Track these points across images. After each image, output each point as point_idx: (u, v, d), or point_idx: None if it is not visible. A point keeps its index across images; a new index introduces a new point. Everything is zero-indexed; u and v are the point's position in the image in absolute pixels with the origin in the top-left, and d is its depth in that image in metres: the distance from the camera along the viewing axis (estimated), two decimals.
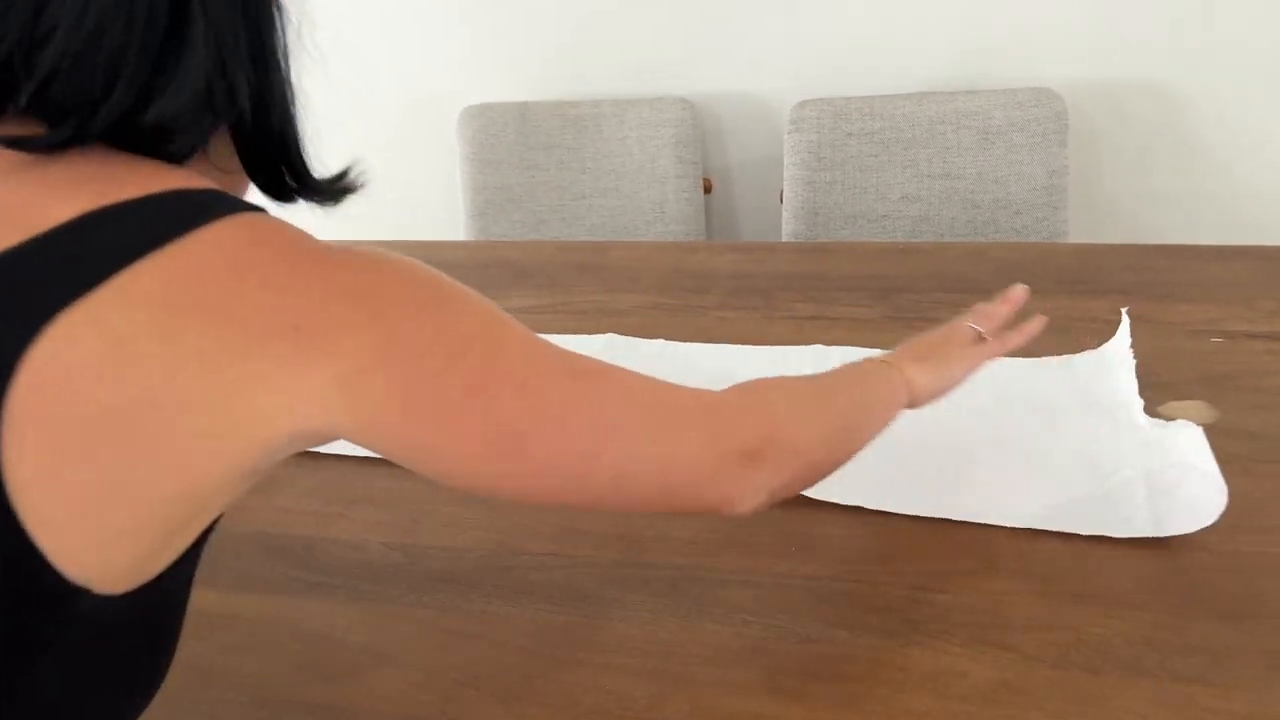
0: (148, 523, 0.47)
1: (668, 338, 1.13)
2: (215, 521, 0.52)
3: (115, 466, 0.45)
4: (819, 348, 1.07)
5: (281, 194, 0.58)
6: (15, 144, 0.48)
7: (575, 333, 1.15)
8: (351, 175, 0.60)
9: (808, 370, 0.79)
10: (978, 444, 0.89)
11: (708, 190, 1.88)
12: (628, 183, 1.82)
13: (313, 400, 0.47)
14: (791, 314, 1.16)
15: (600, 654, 0.70)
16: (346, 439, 0.50)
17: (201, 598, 0.78)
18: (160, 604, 0.51)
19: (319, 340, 0.47)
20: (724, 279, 1.28)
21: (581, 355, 0.56)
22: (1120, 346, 1.00)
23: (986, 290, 0.86)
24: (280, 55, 0.55)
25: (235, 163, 0.56)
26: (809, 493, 0.78)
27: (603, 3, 1.83)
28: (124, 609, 0.48)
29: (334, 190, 0.59)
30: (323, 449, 0.96)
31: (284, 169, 0.57)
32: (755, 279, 1.27)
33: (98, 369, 0.44)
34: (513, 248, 1.46)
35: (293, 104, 0.56)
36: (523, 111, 1.86)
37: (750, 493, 0.60)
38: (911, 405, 0.75)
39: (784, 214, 1.73)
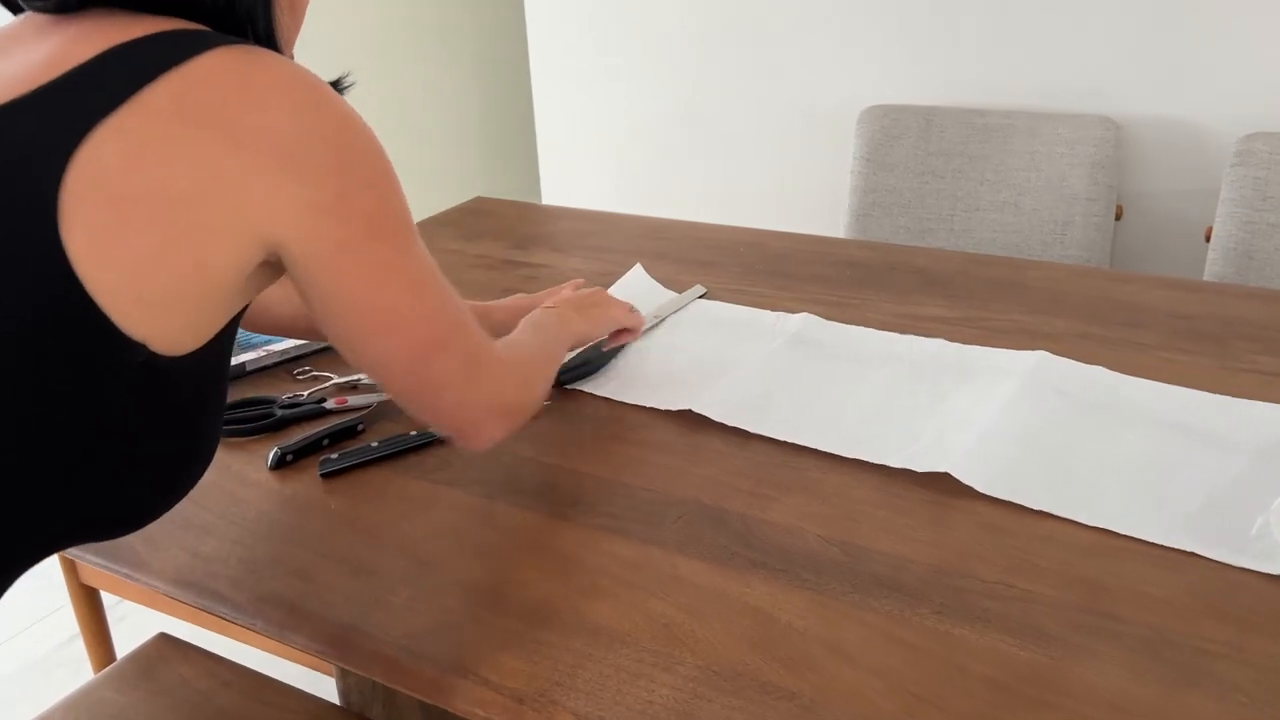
0: (182, 294, 0.60)
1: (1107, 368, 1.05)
2: (241, 313, 0.67)
3: (147, 244, 0.58)
4: None
5: None
6: (41, 6, 0.63)
7: (996, 347, 1.10)
8: (340, 83, 0.75)
9: None
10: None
11: (1117, 217, 1.74)
12: (1030, 199, 1.73)
13: (288, 213, 0.62)
14: (1255, 367, 1.05)
15: (1071, 700, 0.66)
16: (288, 262, 0.64)
17: (652, 555, 0.81)
18: (206, 371, 0.65)
19: (301, 169, 0.61)
20: (1163, 316, 1.18)
21: (444, 279, 0.73)
22: None
23: None
24: None
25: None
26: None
27: (1027, 12, 1.74)
28: (179, 369, 0.62)
29: None
30: (748, 427, 0.96)
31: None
32: (1201, 321, 1.16)
33: (125, 168, 0.57)
34: (920, 254, 1.41)
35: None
36: (928, 116, 1.80)
37: (489, 438, 0.80)
38: (580, 342, 1.06)
39: (1210, 254, 1.58)
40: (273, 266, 0.67)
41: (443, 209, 1.70)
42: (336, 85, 0.78)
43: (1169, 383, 1.02)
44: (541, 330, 0.97)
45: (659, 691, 0.68)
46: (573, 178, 2.39)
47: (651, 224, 1.59)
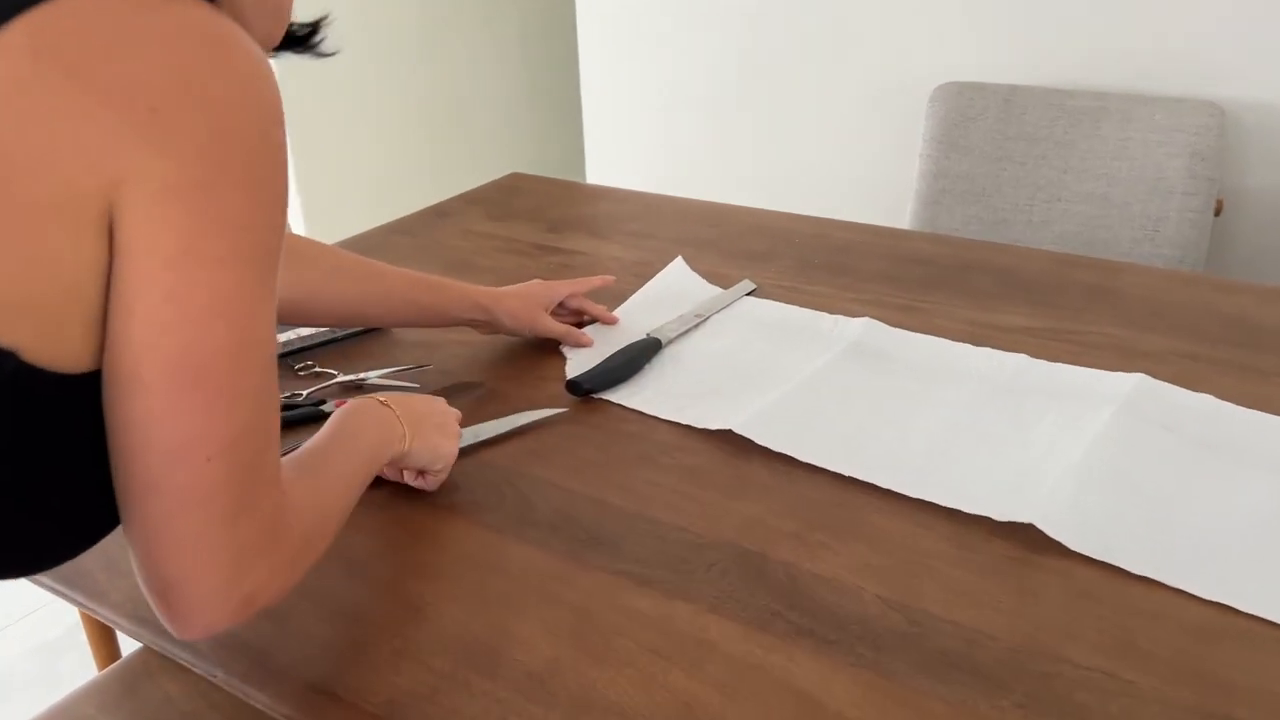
0: (44, 293, 0.48)
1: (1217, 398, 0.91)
2: None
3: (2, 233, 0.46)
4: None
5: None
6: None
7: (1087, 365, 0.96)
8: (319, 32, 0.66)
9: None
10: None
11: (1216, 213, 1.58)
12: (1120, 191, 1.56)
13: (135, 188, 0.48)
14: None
15: None
16: (118, 247, 0.49)
17: (678, 612, 0.69)
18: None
19: (165, 137, 0.48)
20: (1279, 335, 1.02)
21: (273, 374, 0.54)
22: None
23: None
24: None
25: None
26: None
27: None
28: (72, 387, 0.50)
29: (301, 39, 0.65)
30: (798, 455, 0.84)
31: None
32: None
33: None
34: (1000, 252, 1.27)
35: None
36: (1009, 96, 1.64)
37: (215, 629, 0.55)
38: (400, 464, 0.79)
39: None
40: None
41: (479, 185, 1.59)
42: (313, 31, 0.65)
43: None
44: (353, 444, 0.71)
45: None
46: (619, 155, 2.25)
47: (699, 208, 1.45)
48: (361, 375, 1.00)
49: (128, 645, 1.12)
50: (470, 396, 0.97)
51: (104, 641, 1.24)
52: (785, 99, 1.99)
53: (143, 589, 0.55)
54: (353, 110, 2.67)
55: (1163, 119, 1.53)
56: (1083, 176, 1.59)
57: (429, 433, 0.79)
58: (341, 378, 1.00)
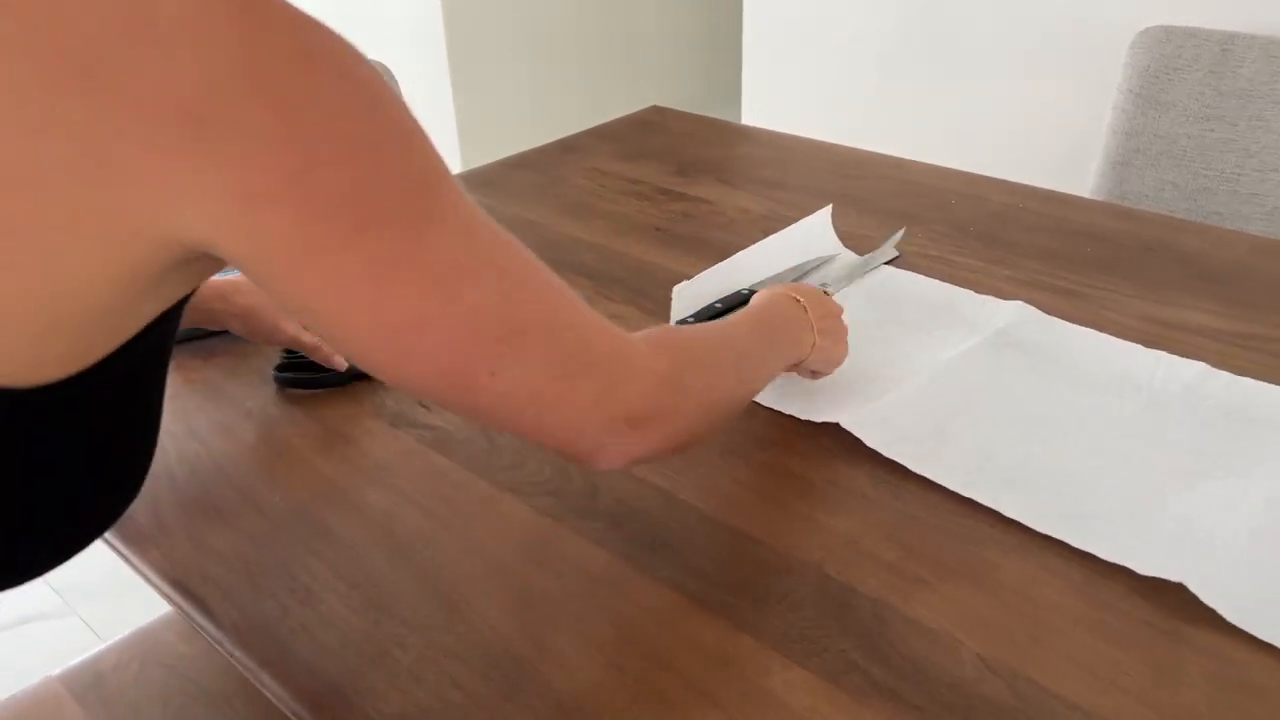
0: (38, 312, 0.42)
1: None
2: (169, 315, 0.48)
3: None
4: None
5: None
6: None
7: (1271, 380, 0.80)
8: None
9: None
10: None
11: None
12: None
13: (203, 206, 0.41)
14: None
15: None
16: (230, 263, 0.45)
17: (743, 649, 0.59)
18: (88, 404, 0.47)
19: (224, 140, 0.40)
20: None
21: (520, 254, 0.50)
22: None
23: None
24: None
25: None
26: None
27: None
28: (31, 401, 0.44)
29: None
30: (911, 465, 0.72)
31: None
32: None
33: None
34: (1192, 232, 1.09)
35: None
36: (1226, 44, 1.42)
37: (619, 456, 0.57)
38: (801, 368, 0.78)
39: None
40: (194, 271, 0.47)
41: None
42: None
43: None
44: (760, 330, 0.72)
45: None
46: (775, 96, 2.10)
47: (843, 155, 1.31)
48: None
49: None
50: None
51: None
52: (960, 40, 1.80)
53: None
54: (518, 36, 2.61)
55: None
56: None
57: (829, 342, 0.78)
58: None
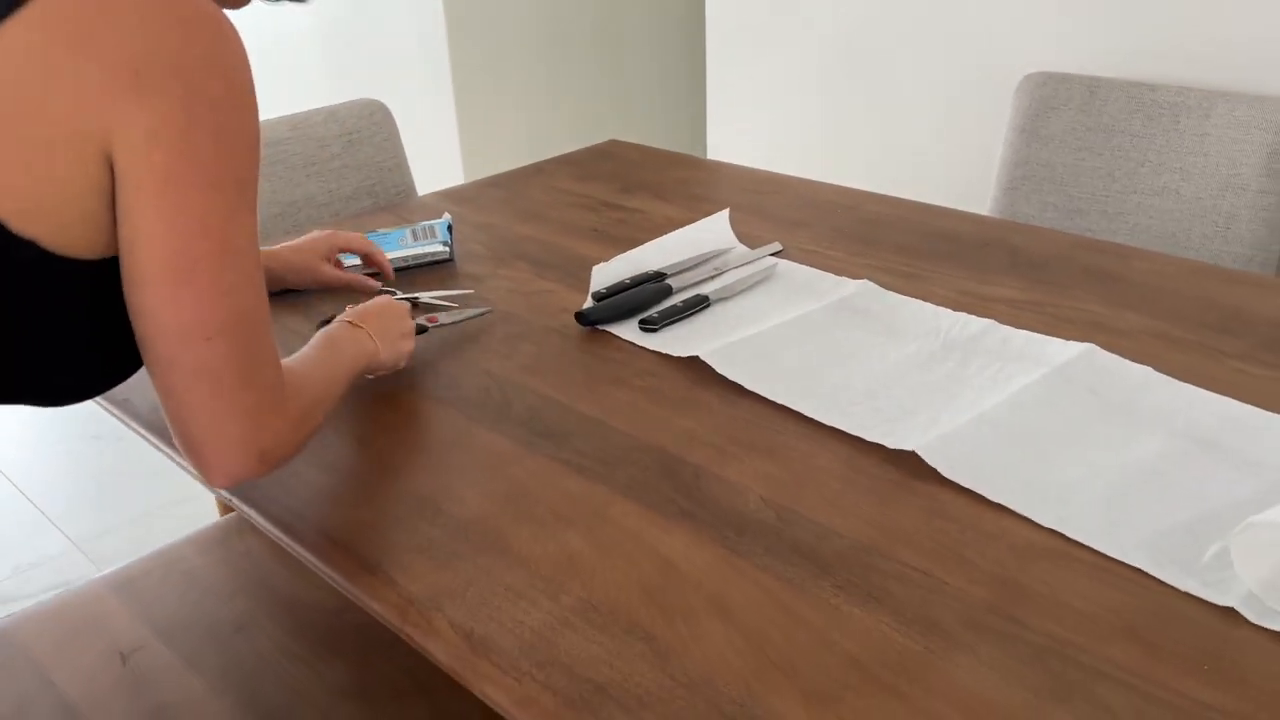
0: (59, 199, 0.66)
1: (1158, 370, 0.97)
2: None
3: (16, 155, 0.64)
4: None
5: None
6: None
7: (1049, 334, 1.03)
8: None
9: None
10: None
11: None
12: (1193, 186, 1.57)
13: (126, 133, 0.64)
14: None
15: (923, 694, 0.63)
16: (119, 182, 0.66)
17: (595, 493, 0.84)
18: (116, 278, 0.70)
19: (146, 91, 0.64)
20: (1262, 324, 1.06)
21: (260, 281, 0.72)
22: None
23: None
24: None
25: None
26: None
27: None
28: (80, 271, 0.68)
29: None
30: (746, 384, 0.96)
31: None
32: None
33: (5, 73, 0.64)
34: (1023, 233, 1.33)
35: None
36: (1093, 87, 1.67)
37: (232, 476, 0.73)
38: (376, 370, 0.95)
39: None
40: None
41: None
42: None
43: (1229, 395, 0.92)
44: (335, 356, 0.88)
45: (533, 614, 0.71)
46: (736, 132, 2.38)
47: (762, 178, 1.57)
48: (451, 291, 1.19)
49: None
50: (481, 320, 1.14)
51: (224, 502, 1.50)
52: (886, 87, 2.06)
53: (176, 445, 0.74)
54: (521, 81, 2.91)
55: (1242, 115, 1.53)
56: (1159, 170, 1.61)
57: (394, 340, 0.96)
58: (427, 296, 1.19)
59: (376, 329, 0.94)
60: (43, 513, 2.20)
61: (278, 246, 1.15)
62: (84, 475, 2.33)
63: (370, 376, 0.98)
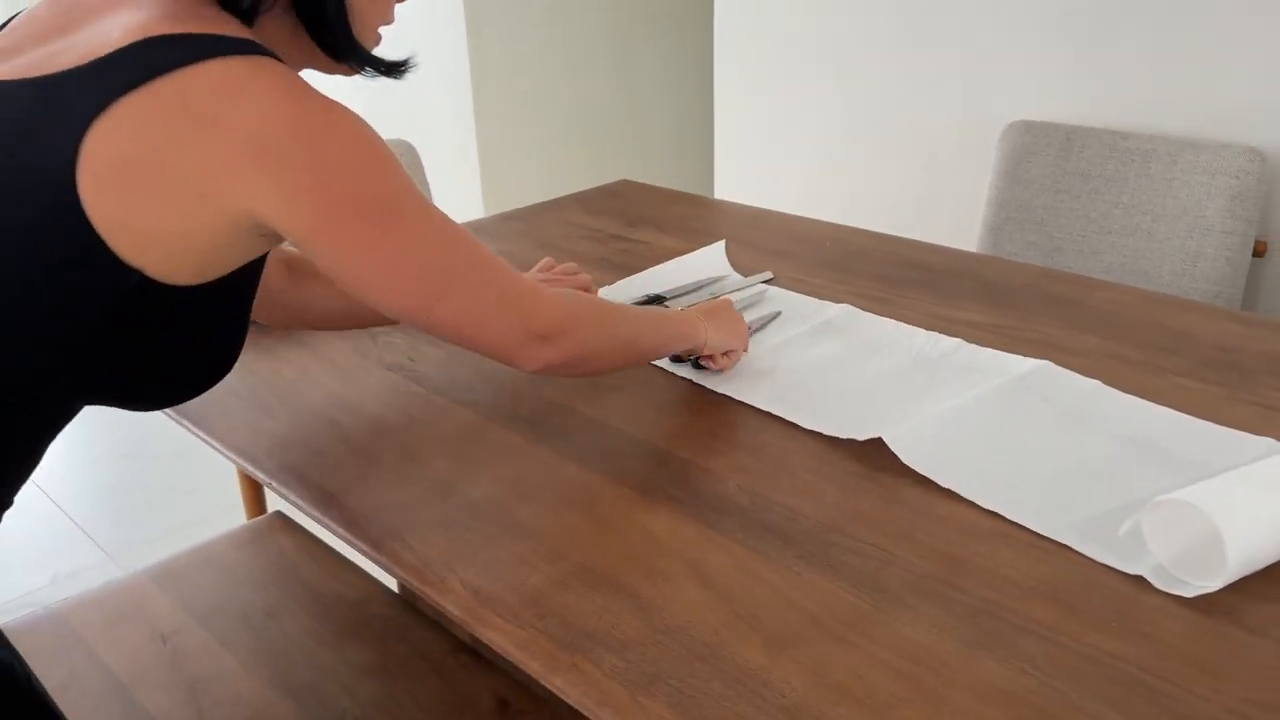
0: (171, 236, 0.74)
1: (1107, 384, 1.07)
2: (254, 266, 0.83)
3: (141, 199, 0.73)
4: (1271, 441, 0.95)
5: (337, 54, 0.87)
6: None
7: (1006, 351, 1.14)
8: (406, 63, 0.92)
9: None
10: None
11: (1259, 253, 1.67)
12: (1163, 227, 1.68)
13: (260, 199, 0.74)
14: (1262, 401, 1.04)
15: (869, 642, 0.74)
16: (291, 241, 0.78)
17: (590, 478, 0.95)
18: (207, 304, 0.81)
19: (269, 161, 0.73)
20: (1204, 346, 1.17)
21: (461, 234, 0.84)
22: None
23: None
24: None
25: (294, 45, 0.85)
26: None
27: (1179, 38, 1.70)
28: (177, 296, 0.77)
29: (382, 63, 0.90)
30: (735, 395, 1.07)
31: (337, 38, 0.85)
32: (1242, 355, 1.14)
33: (132, 136, 0.71)
34: (993, 265, 1.44)
35: None
36: (1070, 134, 1.79)
37: (535, 361, 0.89)
38: (699, 350, 1.09)
39: None
40: (268, 235, 0.79)
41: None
42: (402, 65, 0.91)
43: (1170, 406, 1.02)
44: (648, 312, 1.05)
45: (534, 576, 0.82)
46: (741, 173, 2.51)
47: (755, 214, 1.69)
48: None
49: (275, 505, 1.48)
50: None
51: (254, 503, 1.61)
52: (882, 134, 2.19)
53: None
54: (541, 116, 3.06)
55: (1207, 161, 1.64)
56: (1131, 211, 1.72)
57: (723, 331, 1.10)
58: None
59: (703, 315, 1.09)
60: (79, 526, 2.32)
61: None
62: (118, 493, 2.46)
63: (692, 357, 1.12)
